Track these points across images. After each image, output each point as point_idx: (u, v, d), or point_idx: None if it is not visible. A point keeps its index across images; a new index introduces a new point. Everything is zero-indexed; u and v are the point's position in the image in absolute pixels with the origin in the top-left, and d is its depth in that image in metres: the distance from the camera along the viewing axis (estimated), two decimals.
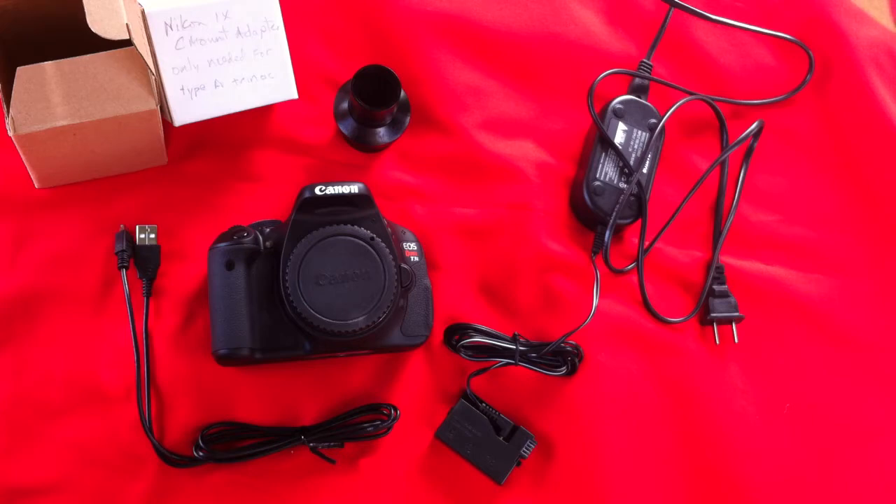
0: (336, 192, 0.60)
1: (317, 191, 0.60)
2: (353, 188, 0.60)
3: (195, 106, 0.62)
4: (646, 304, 0.70)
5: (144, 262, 0.64)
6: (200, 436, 0.60)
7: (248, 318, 0.60)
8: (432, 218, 0.69)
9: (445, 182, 0.71)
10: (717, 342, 0.70)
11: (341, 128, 0.69)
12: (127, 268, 0.64)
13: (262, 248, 0.61)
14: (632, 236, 0.72)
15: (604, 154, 0.71)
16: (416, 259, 0.64)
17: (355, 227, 0.60)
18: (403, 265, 0.61)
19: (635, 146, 0.72)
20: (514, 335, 0.65)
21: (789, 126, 0.78)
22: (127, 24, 0.60)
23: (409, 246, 0.64)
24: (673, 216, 0.72)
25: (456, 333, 0.64)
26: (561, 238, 0.71)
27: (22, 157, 0.61)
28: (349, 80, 0.69)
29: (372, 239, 0.60)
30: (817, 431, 0.69)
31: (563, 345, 0.65)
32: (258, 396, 0.64)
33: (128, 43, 0.60)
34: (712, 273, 0.71)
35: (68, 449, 0.61)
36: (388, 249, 0.60)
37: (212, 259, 0.61)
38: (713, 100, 0.76)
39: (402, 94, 0.69)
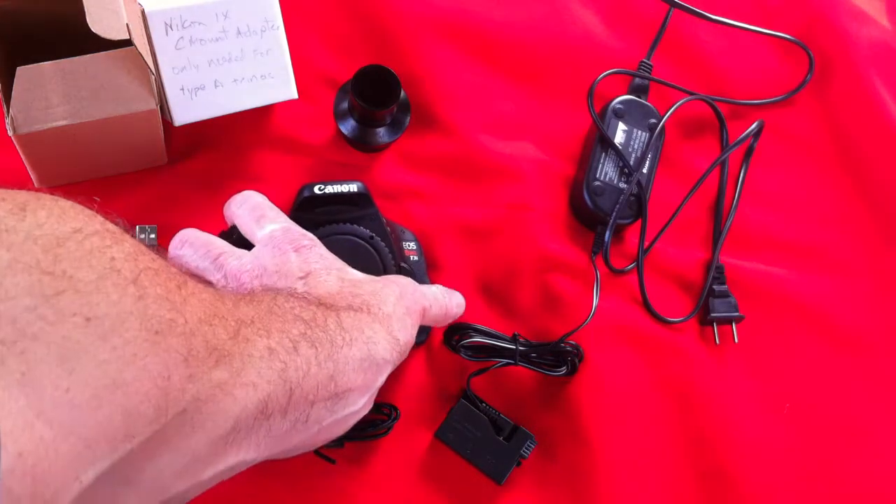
0: (335, 191, 0.60)
1: (316, 189, 0.60)
2: (353, 187, 0.60)
3: (195, 106, 0.62)
4: (646, 304, 0.70)
5: None
6: None
7: None
8: (432, 218, 0.69)
9: (445, 182, 0.71)
10: (717, 342, 0.70)
11: (341, 128, 0.69)
12: None
13: None
14: (632, 236, 0.72)
15: (604, 154, 0.71)
16: (416, 259, 0.64)
17: (354, 225, 0.60)
18: (403, 264, 0.61)
19: (635, 146, 0.72)
20: (514, 335, 0.65)
21: (789, 126, 0.78)
22: (127, 24, 0.60)
23: (409, 245, 0.64)
24: (673, 216, 0.72)
25: (456, 333, 0.64)
26: (561, 238, 0.71)
27: (22, 157, 0.61)
28: (349, 80, 0.69)
29: (371, 238, 0.60)
30: (817, 431, 0.69)
31: (563, 345, 0.65)
32: None
33: (128, 43, 0.60)
34: (712, 273, 0.71)
35: None
36: (387, 248, 0.60)
37: None
38: (713, 100, 0.76)
39: (402, 94, 0.69)
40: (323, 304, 0.48)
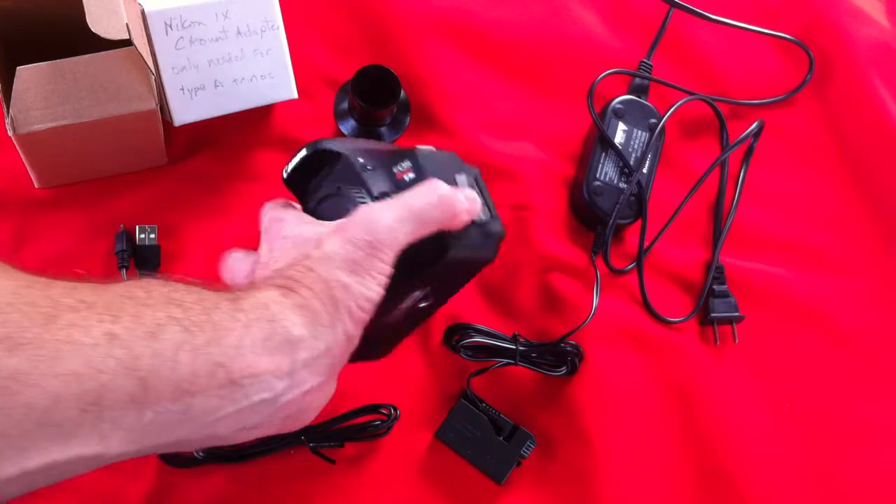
0: (295, 164, 0.55)
1: (284, 174, 0.55)
2: (302, 152, 0.54)
3: (195, 106, 0.62)
4: (646, 304, 0.70)
5: (144, 262, 0.64)
6: None
7: None
8: None
9: None
10: (717, 342, 0.70)
11: (341, 128, 0.69)
12: (127, 268, 0.64)
13: None
14: (632, 236, 0.72)
15: (604, 154, 0.71)
16: (412, 176, 0.55)
17: (324, 187, 0.54)
18: (384, 192, 0.53)
19: (635, 146, 0.72)
20: (514, 335, 0.64)
21: (789, 126, 0.78)
22: (127, 24, 0.60)
23: (402, 166, 0.56)
24: (673, 216, 0.72)
25: (456, 333, 0.64)
26: (561, 238, 0.71)
27: (22, 157, 0.61)
28: (349, 80, 0.69)
29: (338, 189, 0.54)
30: (817, 431, 0.69)
31: (563, 345, 0.65)
32: None
33: (128, 43, 0.60)
34: (712, 273, 0.71)
35: None
36: (355, 192, 0.53)
37: None
38: (713, 100, 0.76)
39: (402, 94, 0.69)
40: (235, 287, 0.45)
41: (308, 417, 0.47)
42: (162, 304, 0.41)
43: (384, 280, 0.46)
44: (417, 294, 0.53)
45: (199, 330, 0.40)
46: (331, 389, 0.48)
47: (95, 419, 0.38)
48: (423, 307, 0.54)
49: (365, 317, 0.46)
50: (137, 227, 0.65)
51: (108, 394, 0.38)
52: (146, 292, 0.41)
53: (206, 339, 0.41)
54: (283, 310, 0.43)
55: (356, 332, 0.46)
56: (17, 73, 0.57)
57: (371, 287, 0.46)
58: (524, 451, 0.63)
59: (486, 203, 0.55)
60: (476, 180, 0.56)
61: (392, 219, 0.47)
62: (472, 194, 0.51)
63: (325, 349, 0.44)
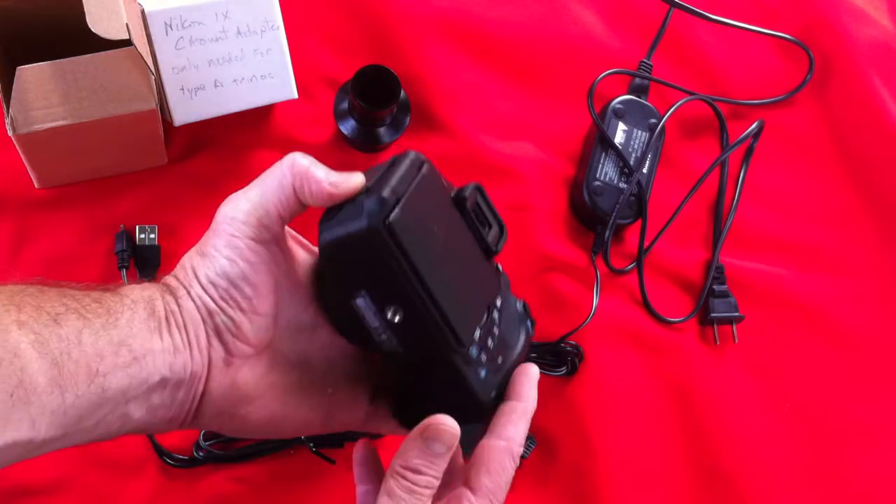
0: None
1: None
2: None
3: (195, 106, 0.62)
4: (646, 304, 0.70)
5: (144, 262, 0.64)
6: (201, 436, 0.60)
7: None
8: None
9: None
10: (717, 342, 0.70)
11: (341, 128, 0.69)
12: (127, 268, 0.64)
13: None
14: (632, 236, 0.72)
15: (604, 154, 0.71)
16: None
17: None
18: None
19: (635, 146, 0.72)
20: None
21: (789, 126, 0.78)
22: (127, 24, 0.60)
23: None
24: (673, 216, 0.72)
25: None
26: (561, 238, 0.71)
27: (22, 157, 0.61)
28: (349, 80, 0.69)
29: None
30: (817, 431, 0.69)
31: (563, 345, 0.65)
32: None
33: (128, 43, 0.60)
34: (712, 273, 0.71)
35: (69, 449, 0.61)
36: None
37: None
38: (713, 100, 0.76)
39: (402, 94, 0.69)
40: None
41: (239, 421, 0.46)
42: (56, 297, 0.43)
43: (237, 252, 0.45)
44: (367, 305, 0.45)
45: (95, 315, 0.43)
46: (260, 395, 0.46)
47: (24, 404, 0.39)
48: (399, 322, 0.45)
49: (226, 292, 0.45)
50: (137, 227, 0.65)
51: (28, 377, 0.39)
52: (39, 290, 0.43)
53: (103, 322, 0.43)
54: (154, 292, 0.45)
55: (218, 308, 0.45)
56: (17, 73, 0.57)
57: (217, 260, 0.45)
58: (524, 451, 0.63)
59: (384, 177, 0.46)
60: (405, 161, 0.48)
61: (237, 194, 0.46)
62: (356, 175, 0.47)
63: (197, 321, 0.45)
